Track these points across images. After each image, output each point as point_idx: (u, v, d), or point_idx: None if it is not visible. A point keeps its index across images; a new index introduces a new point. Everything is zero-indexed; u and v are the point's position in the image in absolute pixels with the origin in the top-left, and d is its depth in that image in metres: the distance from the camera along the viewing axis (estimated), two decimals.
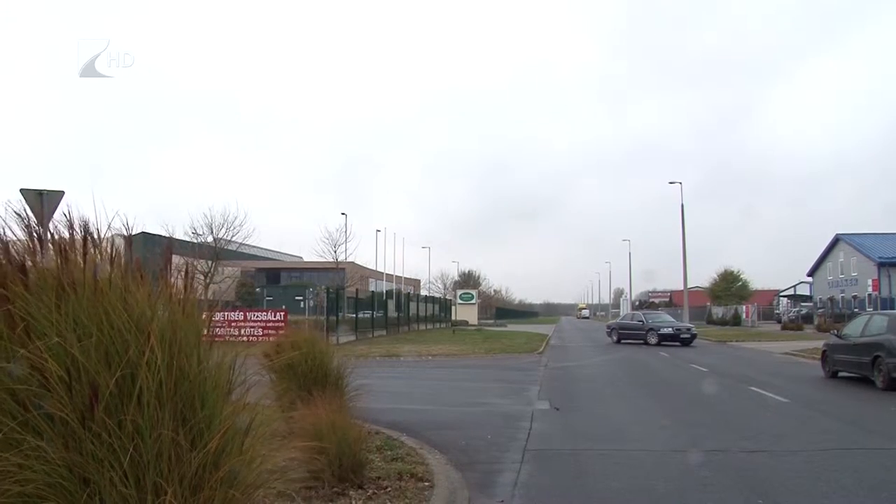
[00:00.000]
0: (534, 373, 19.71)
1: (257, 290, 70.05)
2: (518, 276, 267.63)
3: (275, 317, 28.50)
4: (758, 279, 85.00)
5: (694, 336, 34.27)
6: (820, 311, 57.81)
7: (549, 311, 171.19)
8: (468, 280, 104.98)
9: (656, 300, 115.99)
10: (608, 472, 7.79)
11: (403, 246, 71.19)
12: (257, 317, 28.66)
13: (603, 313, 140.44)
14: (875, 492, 6.89)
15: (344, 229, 58.03)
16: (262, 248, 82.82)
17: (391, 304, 45.64)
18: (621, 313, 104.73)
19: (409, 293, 58.73)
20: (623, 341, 35.21)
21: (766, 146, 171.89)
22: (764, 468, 7.89)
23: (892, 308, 37.81)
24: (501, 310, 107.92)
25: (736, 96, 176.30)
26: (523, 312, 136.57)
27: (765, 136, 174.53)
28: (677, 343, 33.07)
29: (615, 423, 11.50)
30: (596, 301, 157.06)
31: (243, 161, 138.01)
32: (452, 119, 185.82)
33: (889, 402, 13.55)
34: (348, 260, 61.28)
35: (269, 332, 22.39)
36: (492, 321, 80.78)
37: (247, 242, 54.12)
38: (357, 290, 42.80)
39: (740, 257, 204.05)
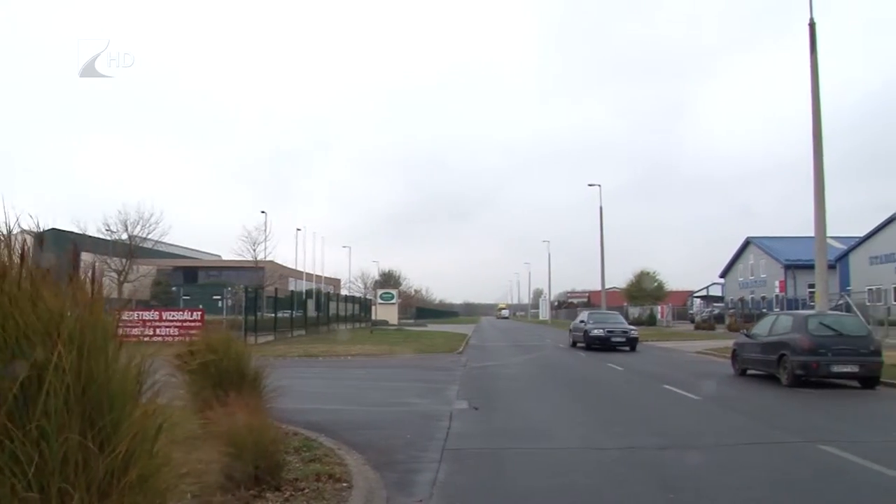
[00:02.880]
0: (453, 372, 19.78)
1: (173, 289, 68.46)
2: (439, 276, 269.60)
3: (191, 316, 27.98)
4: (674, 280, 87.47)
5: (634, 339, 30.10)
6: (731, 311, 59.56)
7: (470, 311, 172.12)
8: (389, 280, 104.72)
9: (575, 300, 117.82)
10: (526, 470, 7.88)
11: (324, 245, 70.49)
12: (173, 316, 28.10)
13: (522, 313, 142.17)
14: (779, 484, 7.15)
15: (264, 228, 57.25)
16: (178, 246, 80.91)
17: (311, 304, 45.23)
18: (540, 314, 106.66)
19: (329, 293, 58.28)
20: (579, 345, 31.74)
21: (691, 147, 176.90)
22: (676, 464, 8.12)
23: (797, 308, 39.26)
24: (422, 310, 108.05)
25: (663, 98, 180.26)
26: (444, 312, 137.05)
27: (690, 138, 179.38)
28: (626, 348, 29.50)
29: (534, 421, 11.63)
30: (516, 301, 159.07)
31: (160, 156, 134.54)
32: (378, 116, 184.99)
33: (793, 399, 14.11)
34: (268, 259, 60.48)
35: (186, 331, 21.92)
36: (412, 321, 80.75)
37: (163, 240, 52.90)
38: (276, 289, 42.24)
39: (660, 258, 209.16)
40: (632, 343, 29.79)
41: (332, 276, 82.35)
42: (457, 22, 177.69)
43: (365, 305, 69.82)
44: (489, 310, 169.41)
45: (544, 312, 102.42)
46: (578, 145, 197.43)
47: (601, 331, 29.75)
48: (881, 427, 11.11)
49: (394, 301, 71.23)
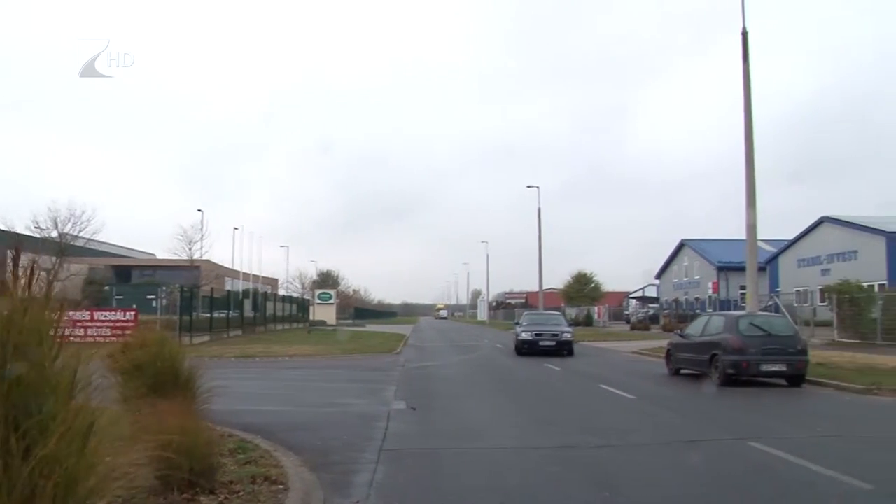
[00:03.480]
0: (391, 373, 19.76)
1: (106, 288, 66.78)
2: (378, 277, 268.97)
3: (124, 316, 27.41)
4: (610, 281, 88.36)
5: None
6: (665, 311, 60.72)
7: (408, 312, 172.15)
8: (327, 280, 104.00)
9: (513, 301, 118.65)
10: (463, 470, 7.91)
11: (262, 244, 69.73)
12: (105, 316, 27.46)
13: (461, 314, 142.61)
14: (711, 480, 7.33)
15: (200, 226, 56.29)
16: (111, 245, 78.99)
17: (247, 304, 44.73)
18: (478, 314, 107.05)
19: (266, 293, 57.62)
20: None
21: (629, 150, 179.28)
22: (611, 462, 8.24)
23: (729, 309, 40.20)
24: (360, 310, 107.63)
25: (604, 100, 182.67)
26: (382, 313, 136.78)
27: (629, 141, 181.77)
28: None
29: (471, 421, 11.68)
30: (454, 302, 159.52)
31: (92, 152, 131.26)
32: (314, 114, 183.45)
33: (724, 397, 14.45)
34: (204, 258, 59.48)
35: (119, 332, 21.46)
36: (350, 321, 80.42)
37: (95, 238, 51.59)
38: (212, 289, 41.60)
39: (597, 259, 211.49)
40: (563, 346, 26.08)
41: (270, 276, 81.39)
42: (397, 20, 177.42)
43: (303, 306, 69.30)
44: (428, 310, 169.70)
45: (482, 313, 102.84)
46: (519, 146, 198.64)
47: (528, 334, 26.55)
48: (807, 424, 11.44)
49: (332, 301, 70.81)
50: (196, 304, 35.64)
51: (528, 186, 50.67)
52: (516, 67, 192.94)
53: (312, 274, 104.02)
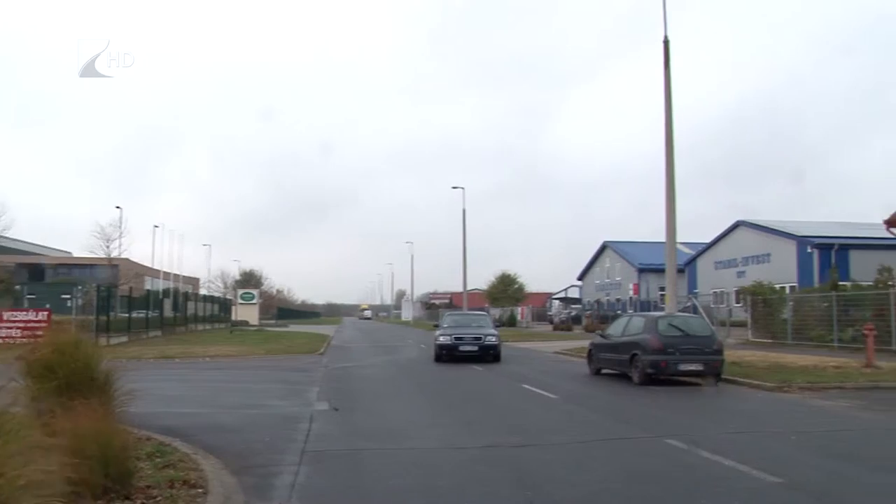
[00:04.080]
0: (314, 373, 19.60)
1: (17, 287, 64.46)
2: (302, 276, 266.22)
3: (36, 317, 26.61)
4: (534, 282, 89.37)
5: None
6: (588, 312, 61.65)
7: (332, 312, 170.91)
8: (250, 279, 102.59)
9: (437, 301, 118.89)
10: (387, 470, 7.90)
11: (182, 243, 68.29)
12: (16, 317, 26.62)
13: (385, 314, 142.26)
14: (630, 476, 7.47)
15: (118, 224, 54.87)
16: (23, 242, 76.49)
17: (168, 304, 43.75)
18: (403, 315, 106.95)
19: (187, 292, 56.48)
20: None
21: (554, 153, 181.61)
22: (534, 461, 8.33)
23: (649, 310, 41.08)
24: (283, 310, 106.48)
25: (530, 103, 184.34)
26: (306, 313, 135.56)
27: (554, 143, 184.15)
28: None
29: (394, 422, 11.66)
30: (379, 302, 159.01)
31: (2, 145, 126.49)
32: (238, 109, 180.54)
33: (644, 396, 14.76)
34: (122, 256, 58.06)
35: (30, 333, 20.75)
36: (273, 321, 79.54)
37: (5, 235, 49.79)
38: (131, 288, 40.59)
39: (521, 260, 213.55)
40: (487, 352, 23.23)
41: (191, 276, 79.99)
42: (324, 17, 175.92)
43: (225, 305, 68.20)
44: (352, 310, 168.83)
45: (407, 313, 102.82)
46: (446, 147, 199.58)
47: (447, 338, 23.58)
48: (721, 421, 11.79)
49: (255, 301, 70.01)
50: (114, 304, 34.74)
51: (454, 188, 51.06)
52: (444, 68, 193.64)
53: (235, 273, 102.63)
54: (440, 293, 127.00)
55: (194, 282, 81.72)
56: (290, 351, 28.40)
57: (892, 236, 32.69)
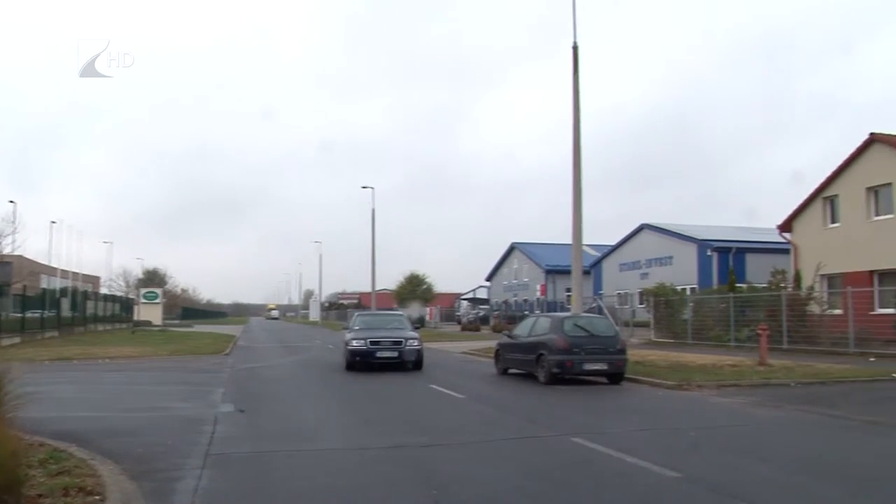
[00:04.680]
0: (219, 374, 19.22)
1: None
2: (207, 275, 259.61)
3: None
4: (443, 282, 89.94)
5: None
6: (495, 313, 62.33)
7: (239, 312, 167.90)
8: (153, 278, 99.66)
9: (345, 301, 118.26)
10: (293, 472, 7.79)
11: (82, 240, 65.80)
12: None
13: (293, 314, 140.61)
14: (535, 474, 7.56)
15: (12, 219, 52.53)
16: None
17: (65, 303, 42.17)
18: (310, 315, 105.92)
19: (86, 291, 54.57)
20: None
21: (464, 154, 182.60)
22: (440, 460, 8.36)
23: (556, 311, 41.81)
24: (188, 310, 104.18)
25: (442, 104, 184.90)
26: (212, 312, 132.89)
27: (465, 144, 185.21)
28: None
29: (301, 423, 11.53)
30: (286, 302, 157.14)
31: None
32: (142, 104, 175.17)
33: (549, 395, 14.99)
34: (16, 253, 55.64)
35: None
36: (177, 321, 77.72)
37: None
38: (25, 286, 38.95)
39: (430, 260, 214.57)
40: (408, 357, 20.29)
41: (91, 274, 77.27)
42: (235, 4, 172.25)
43: (127, 305, 66.26)
44: (259, 310, 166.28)
45: (315, 313, 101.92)
46: (355, 145, 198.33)
47: (361, 342, 20.35)
48: (624, 419, 12.10)
49: (158, 301, 68.24)
50: (6, 304, 33.23)
51: (363, 187, 50.84)
52: (356, 64, 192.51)
53: (138, 272, 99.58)
54: (348, 293, 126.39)
55: (94, 280, 78.98)
56: (195, 352, 27.76)
57: (784, 241, 34.25)
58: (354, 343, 20.46)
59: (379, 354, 20.07)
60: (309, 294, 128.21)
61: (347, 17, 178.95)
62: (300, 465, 8.15)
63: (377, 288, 53.04)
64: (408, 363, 20.16)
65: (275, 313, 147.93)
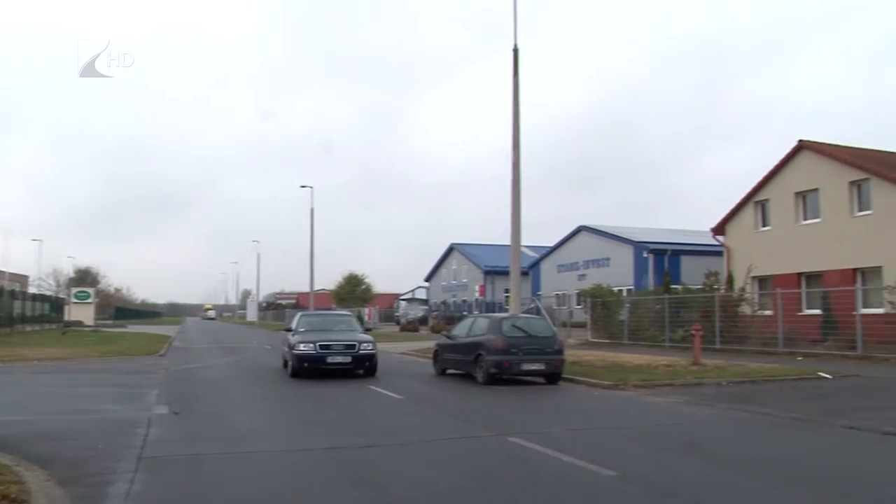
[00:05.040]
0: (153, 376, 18.85)
1: None
2: (142, 275, 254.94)
3: None
4: (382, 282, 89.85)
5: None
6: (434, 313, 62.39)
7: (175, 312, 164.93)
8: (85, 277, 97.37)
9: (283, 301, 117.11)
10: (228, 475, 7.68)
11: (9, 237, 64.00)
12: None
13: (230, 314, 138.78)
14: (473, 474, 7.57)
15: None
16: None
17: None
18: (248, 315, 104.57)
19: (13, 290, 52.95)
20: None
21: (405, 154, 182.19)
22: (378, 461, 8.33)
23: (494, 311, 42.03)
24: (122, 310, 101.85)
25: (384, 103, 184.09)
26: (146, 312, 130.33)
27: (406, 145, 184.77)
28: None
29: (238, 425, 11.37)
30: (223, 302, 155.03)
31: None
32: (72, 99, 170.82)
33: (487, 395, 15.06)
34: None
35: None
36: (111, 322, 75.97)
37: None
38: None
39: (370, 260, 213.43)
40: (362, 363, 18.49)
41: (19, 273, 75.06)
42: (170, 5, 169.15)
43: (57, 305, 64.55)
44: (195, 310, 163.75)
45: (252, 313, 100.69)
46: (295, 142, 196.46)
47: (310, 346, 18.21)
48: (561, 418, 12.21)
49: (90, 300, 66.53)
50: None
51: (303, 186, 50.20)
52: (296, 60, 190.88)
53: (69, 271, 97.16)
54: (286, 293, 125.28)
55: (22, 279, 76.69)
56: (128, 352, 27.17)
57: (718, 243, 35.04)
58: (302, 347, 18.23)
59: (330, 360, 18.10)
60: (246, 294, 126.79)
61: (288, 13, 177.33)
62: (236, 468, 8.04)
63: (316, 288, 52.53)
64: (362, 369, 18.55)
65: (211, 313, 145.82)
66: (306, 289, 53.90)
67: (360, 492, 6.89)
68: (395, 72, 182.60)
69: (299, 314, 22.58)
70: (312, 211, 49.66)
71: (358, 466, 8.06)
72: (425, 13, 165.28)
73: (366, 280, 78.50)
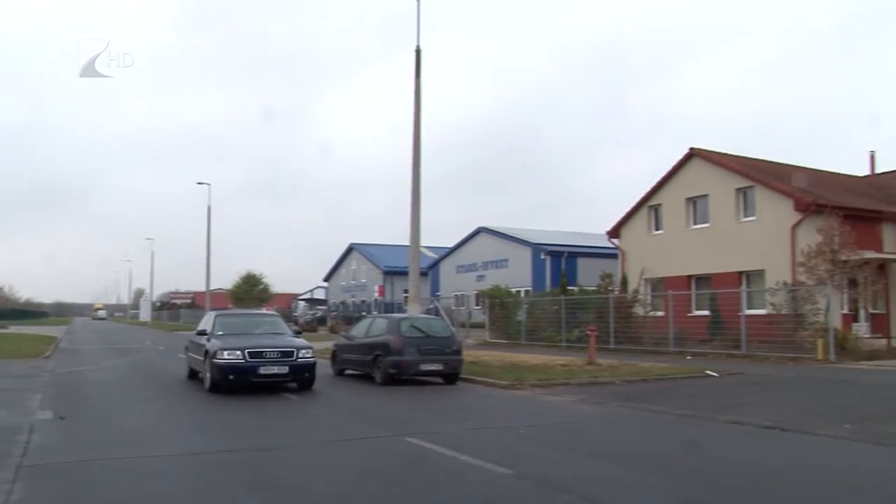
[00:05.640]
0: (37, 379, 18.02)
1: None
2: (26, 273, 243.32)
3: None
4: (280, 282, 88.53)
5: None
6: (333, 313, 61.89)
7: (63, 312, 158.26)
8: None
9: (178, 301, 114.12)
10: (117, 481, 7.41)
11: None
12: None
13: (121, 314, 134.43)
14: (371, 474, 7.55)
15: None
16: None
17: None
18: (141, 315, 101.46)
19: None
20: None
21: (304, 153, 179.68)
22: (274, 464, 8.17)
23: (393, 312, 42.01)
24: (3, 310, 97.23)
25: (285, 101, 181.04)
26: (31, 312, 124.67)
27: (305, 143, 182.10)
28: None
29: (128, 429, 10.98)
30: (115, 301, 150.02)
31: None
32: None
33: (385, 396, 15.04)
34: None
35: None
36: None
37: None
38: None
39: (268, 260, 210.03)
40: (300, 374, 15.25)
41: None
42: None
43: None
44: (85, 310, 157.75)
45: (145, 313, 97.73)
46: (192, 138, 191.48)
47: (236, 353, 14.70)
48: (458, 418, 12.28)
49: None
50: None
51: (199, 183, 48.96)
52: (194, 53, 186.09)
53: None
54: (181, 292, 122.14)
55: None
56: (10, 355, 25.86)
57: (613, 246, 35.99)
58: (226, 356, 14.71)
59: (263, 371, 14.72)
60: (139, 293, 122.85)
61: (183, 7, 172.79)
62: (126, 474, 7.76)
63: (212, 287, 51.36)
64: (299, 381, 15.43)
65: (102, 313, 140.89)
66: (202, 288, 52.66)
67: (254, 494, 6.78)
68: (298, 67, 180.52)
69: (213, 314, 18.19)
70: (209, 208, 48.62)
71: (253, 469, 7.91)
72: (330, 9, 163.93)
73: (264, 279, 77.08)
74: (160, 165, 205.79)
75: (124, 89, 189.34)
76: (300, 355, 15.18)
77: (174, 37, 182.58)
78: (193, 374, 17.58)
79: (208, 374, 15.26)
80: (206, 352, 15.42)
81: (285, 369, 14.97)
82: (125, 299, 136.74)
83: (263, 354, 14.87)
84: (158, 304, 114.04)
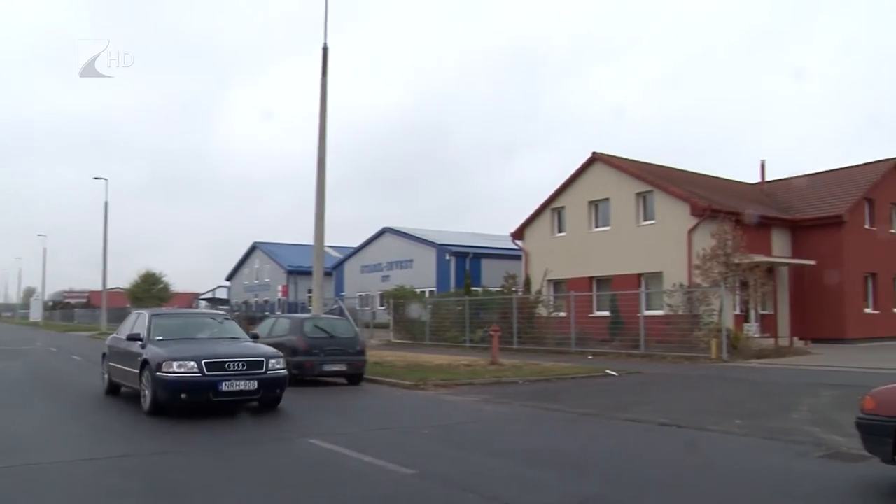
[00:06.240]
0: None
1: None
2: None
3: None
4: (181, 281, 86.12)
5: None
6: (235, 313, 60.69)
7: None
8: None
9: (73, 301, 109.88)
10: (3, 490, 7.04)
11: None
12: None
13: (10, 314, 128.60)
14: (271, 477, 7.41)
15: None
16: None
17: None
18: (31, 315, 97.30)
19: None
20: None
21: (207, 149, 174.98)
22: (173, 469, 8.01)
23: (297, 312, 41.47)
24: None
25: (189, 95, 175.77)
26: None
27: (209, 139, 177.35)
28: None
29: (16, 434, 10.42)
30: (4, 301, 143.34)
31: None
32: None
33: (288, 397, 14.75)
34: None
35: None
36: None
37: None
38: None
39: (168, 258, 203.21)
40: (272, 388, 12.05)
41: None
42: None
43: None
44: None
45: (36, 313, 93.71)
46: (87, 131, 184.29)
47: (189, 367, 11.28)
48: (362, 419, 12.25)
49: None
50: None
51: (96, 178, 47.49)
52: (96, 44, 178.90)
53: None
54: (76, 291, 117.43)
55: None
56: None
57: (517, 247, 36.45)
58: (176, 367, 11.29)
59: (226, 387, 11.36)
60: (30, 292, 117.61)
61: None
62: (10, 483, 7.36)
63: (109, 286, 49.66)
64: (268, 399, 12.30)
65: None
66: (98, 287, 50.86)
67: (150, 501, 6.56)
68: (202, 61, 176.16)
69: (146, 314, 13.87)
70: (106, 204, 47.04)
71: (150, 475, 7.67)
72: (242, 4, 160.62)
73: (164, 279, 74.94)
74: (55, 159, 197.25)
75: (20, 73, 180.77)
76: (270, 366, 11.94)
77: (70, 23, 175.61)
78: (115, 389, 14.48)
79: (148, 392, 11.74)
80: (145, 362, 11.89)
81: (253, 385, 11.61)
82: (14, 298, 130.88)
83: (225, 366, 11.51)
84: (51, 303, 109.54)
